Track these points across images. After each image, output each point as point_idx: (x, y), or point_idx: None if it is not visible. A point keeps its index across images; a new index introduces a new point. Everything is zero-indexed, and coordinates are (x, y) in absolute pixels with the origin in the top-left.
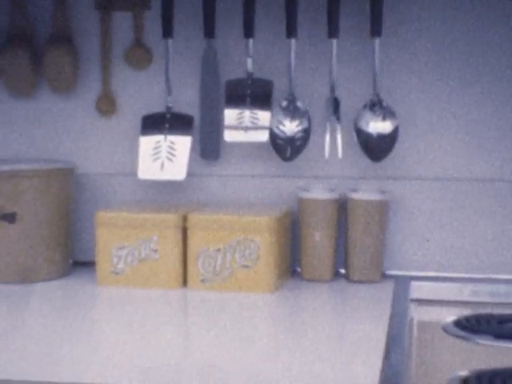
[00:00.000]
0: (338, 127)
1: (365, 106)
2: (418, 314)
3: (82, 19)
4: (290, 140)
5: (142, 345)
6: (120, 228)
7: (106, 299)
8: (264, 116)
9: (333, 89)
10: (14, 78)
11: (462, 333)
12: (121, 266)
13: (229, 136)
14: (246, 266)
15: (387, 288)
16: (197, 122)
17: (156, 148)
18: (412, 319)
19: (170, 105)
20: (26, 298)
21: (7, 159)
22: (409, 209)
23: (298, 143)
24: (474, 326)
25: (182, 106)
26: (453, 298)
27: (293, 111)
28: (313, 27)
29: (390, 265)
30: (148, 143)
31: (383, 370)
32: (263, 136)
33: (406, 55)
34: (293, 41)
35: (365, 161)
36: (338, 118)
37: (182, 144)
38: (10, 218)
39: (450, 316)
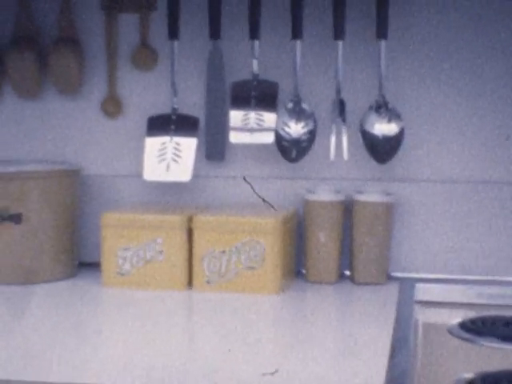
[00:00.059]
0: (344, 129)
1: (370, 108)
2: (423, 316)
3: (88, 20)
4: (296, 142)
5: (147, 346)
6: (125, 229)
7: (111, 300)
8: (269, 118)
9: (338, 90)
10: (19, 80)
11: (468, 335)
12: (126, 267)
13: (234, 137)
14: (251, 268)
15: (392, 290)
16: (202, 123)
17: (162, 149)
18: (417, 321)
19: (175, 106)
20: (31, 298)
21: (13, 160)
22: (414, 211)
23: (304, 145)
24: (479, 328)
25: (187, 107)
26: (458, 300)
27: (298, 113)
28: (319, 29)
29: (395, 267)
30: (154, 144)
31: (389, 372)
32: (269, 138)
33: (411, 57)
34: (298, 42)
35: (370, 163)
36: (344, 120)
37: (188, 145)
38: (16, 218)
39: (455, 318)
